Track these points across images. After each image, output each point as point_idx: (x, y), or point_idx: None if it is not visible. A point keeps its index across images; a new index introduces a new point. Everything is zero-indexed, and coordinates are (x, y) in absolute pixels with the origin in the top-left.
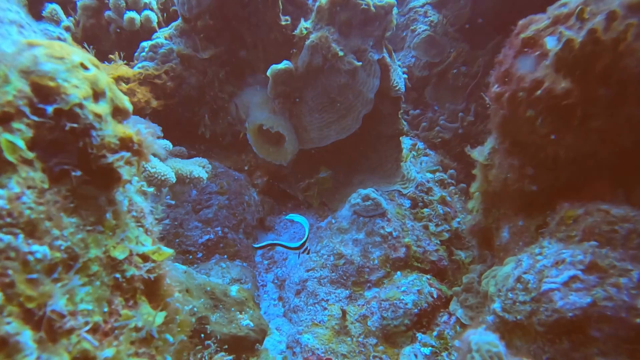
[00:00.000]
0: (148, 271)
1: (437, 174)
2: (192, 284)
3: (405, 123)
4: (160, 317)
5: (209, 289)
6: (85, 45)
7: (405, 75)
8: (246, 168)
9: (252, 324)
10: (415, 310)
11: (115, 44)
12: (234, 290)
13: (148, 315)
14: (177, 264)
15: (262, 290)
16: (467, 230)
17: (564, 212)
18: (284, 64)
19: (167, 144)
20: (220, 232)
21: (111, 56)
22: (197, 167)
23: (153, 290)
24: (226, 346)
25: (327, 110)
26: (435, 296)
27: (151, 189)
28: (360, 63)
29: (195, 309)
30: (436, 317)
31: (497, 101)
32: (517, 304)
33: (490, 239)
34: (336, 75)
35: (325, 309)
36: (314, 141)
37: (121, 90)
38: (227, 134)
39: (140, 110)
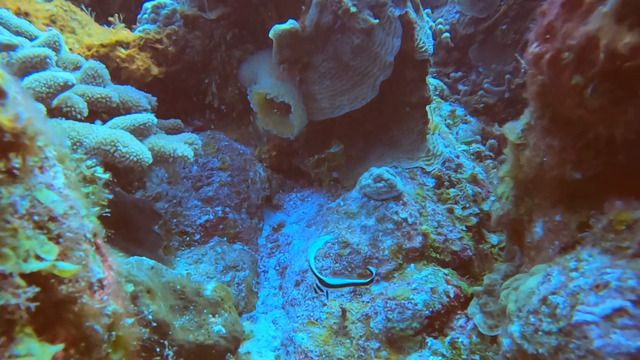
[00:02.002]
0: (36, 297)
1: (473, 145)
2: (157, 283)
3: (445, 87)
4: (46, 356)
5: (178, 287)
6: (83, 7)
7: (448, 34)
8: (253, 141)
9: (224, 330)
10: (426, 312)
11: (123, 7)
12: (209, 289)
13: (27, 356)
14: (144, 258)
15: (263, 276)
16: (495, 221)
17: (615, 213)
18: (289, 24)
19: (151, 117)
20: (220, 212)
21: (110, 19)
22: (182, 145)
23: (57, 316)
24: (191, 356)
25: (339, 76)
26: (451, 295)
27: (106, 175)
28: (378, 20)
29: (149, 316)
30: (451, 320)
31: (535, 64)
32: (540, 332)
33: (520, 233)
34: (349, 36)
35: (325, 304)
36: (325, 112)
37: (119, 57)
38: (236, 102)
39: (139, 79)
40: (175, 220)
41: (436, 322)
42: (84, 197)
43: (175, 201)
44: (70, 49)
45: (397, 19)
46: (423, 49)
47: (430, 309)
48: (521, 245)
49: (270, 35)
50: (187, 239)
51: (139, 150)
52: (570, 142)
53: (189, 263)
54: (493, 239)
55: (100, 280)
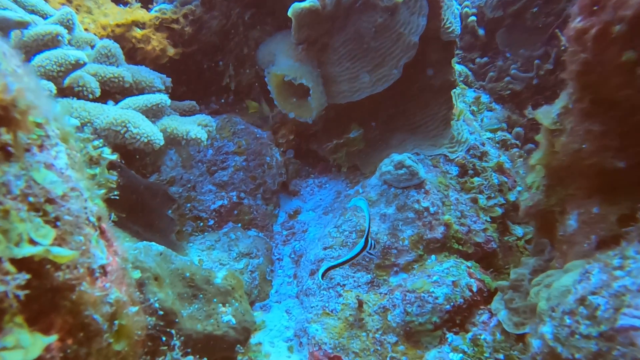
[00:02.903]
0: (29, 284)
1: (499, 133)
2: (165, 270)
3: (470, 73)
4: (37, 348)
5: (187, 275)
6: None
7: (475, 17)
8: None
9: (233, 320)
10: (447, 306)
11: None
12: (219, 277)
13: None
14: (153, 243)
15: (278, 264)
16: (523, 211)
17: None
18: (309, 2)
19: (164, 98)
20: (235, 197)
21: None
22: (196, 127)
23: (53, 305)
24: (199, 346)
25: (360, 57)
26: (474, 289)
27: (113, 156)
28: None
29: (156, 304)
30: (474, 315)
31: (577, 40)
32: (577, 336)
33: (551, 225)
34: (371, 14)
35: (340, 295)
36: (345, 95)
37: (135, 37)
38: (254, 85)
39: (155, 60)
40: (189, 205)
41: (457, 317)
42: (89, 179)
43: (189, 185)
44: (86, 29)
45: None
46: (450, 30)
47: (452, 303)
48: (551, 238)
49: (289, 13)
50: (201, 224)
51: (150, 132)
52: (613, 127)
53: (201, 249)
54: (518, 230)
55: (103, 267)
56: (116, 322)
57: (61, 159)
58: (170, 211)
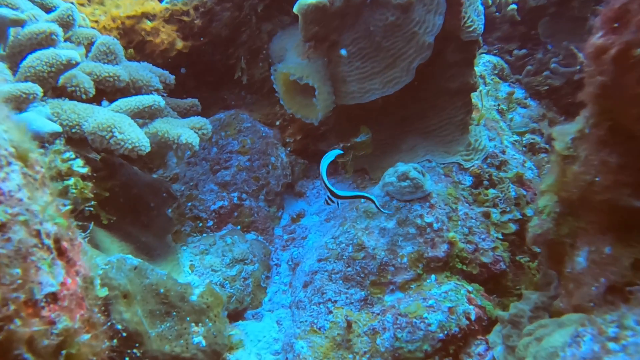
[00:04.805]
0: None
1: (527, 135)
2: (137, 286)
3: (506, 65)
4: None
5: (162, 290)
6: None
7: (515, 6)
8: (278, 123)
9: (204, 342)
10: (441, 334)
11: None
12: (196, 294)
13: None
14: (129, 256)
15: (275, 270)
16: (531, 239)
17: None
18: None
19: (158, 99)
20: (236, 198)
21: None
22: (188, 131)
23: None
24: None
25: (371, 57)
26: (472, 318)
27: (84, 170)
28: None
29: (118, 325)
30: (470, 345)
31: (595, 59)
32: None
33: (560, 257)
34: (382, 11)
35: (331, 312)
36: (354, 96)
37: (144, 30)
38: (266, 79)
39: (163, 53)
40: (189, 204)
41: (451, 347)
42: (53, 195)
43: (192, 184)
44: (96, 21)
45: None
46: (471, 29)
47: (446, 332)
48: (559, 272)
49: (295, 9)
50: (200, 224)
51: (135, 138)
52: (632, 161)
53: (194, 253)
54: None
55: (52, 295)
56: (63, 352)
57: (12, 180)
58: (169, 210)
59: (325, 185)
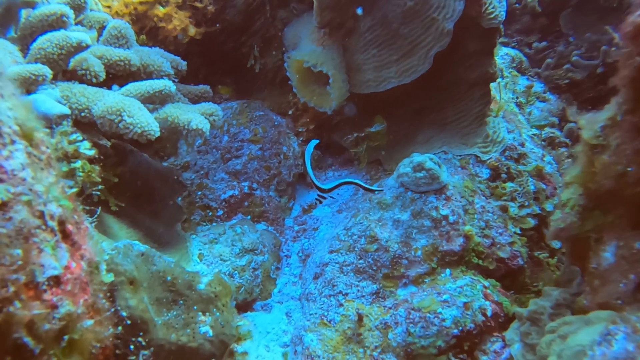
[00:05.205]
0: None
1: (547, 129)
2: (144, 273)
3: (525, 58)
4: None
5: (169, 278)
6: None
7: None
8: (290, 112)
9: (211, 332)
10: (455, 330)
11: None
12: (204, 282)
13: None
14: (136, 242)
15: (285, 262)
16: (552, 233)
17: None
18: None
19: (168, 84)
20: (246, 187)
21: None
22: (198, 116)
23: None
24: (171, 357)
25: (387, 45)
26: (488, 314)
27: (91, 152)
28: None
29: (123, 312)
30: (485, 342)
31: (634, 39)
32: None
33: (584, 253)
34: None
35: (342, 305)
36: (369, 85)
37: (156, 16)
38: (279, 68)
39: (175, 40)
40: (200, 192)
41: (465, 343)
42: (58, 177)
43: (202, 172)
44: (108, 7)
45: None
46: (492, 15)
47: (460, 328)
48: (583, 268)
49: None
50: (210, 213)
51: (145, 122)
52: None
53: (203, 242)
54: (557, 242)
55: (55, 278)
56: (65, 337)
57: (16, 158)
58: (180, 198)
59: (312, 180)
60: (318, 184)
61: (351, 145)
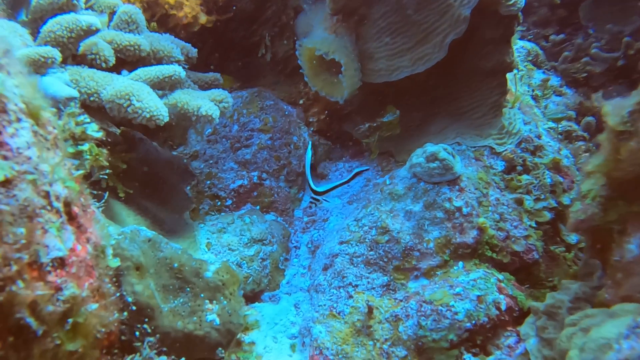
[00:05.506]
0: None
1: (563, 122)
2: (151, 258)
3: (541, 52)
4: None
5: (176, 265)
6: None
7: None
8: (301, 102)
9: (218, 320)
10: (468, 324)
11: None
12: (211, 270)
13: None
14: (143, 228)
15: (294, 253)
16: (572, 225)
17: None
18: None
19: (178, 69)
20: (256, 177)
21: None
22: (208, 103)
23: None
24: (177, 345)
25: (401, 32)
26: (503, 308)
27: (99, 134)
28: None
29: (129, 298)
30: (499, 337)
31: None
32: None
33: (606, 245)
34: None
35: (351, 297)
36: (382, 74)
37: (168, 3)
38: (291, 57)
39: (186, 27)
40: (209, 182)
41: (478, 337)
42: (64, 158)
43: (211, 161)
44: None
45: None
46: (511, 1)
47: (473, 321)
48: (604, 261)
49: None
50: (219, 203)
51: (154, 107)
52: None
53: (212, 231)
54: (572, 237)
55: (60, 259)
56: (70, 320)
57: (22, 136)
58: (188, 187)
59: (307, 182)
60: (313, 186)
61: (363, 135)
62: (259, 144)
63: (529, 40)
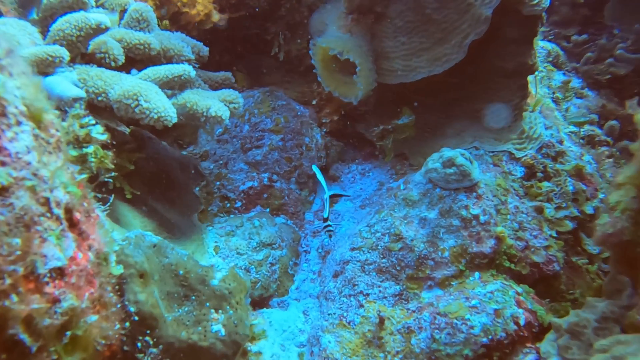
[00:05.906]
0: None
1: (586, 127)
2: (156, 265)
3: (562, 52)
4: None
5: (181, 272)
6: None
7: None
8: (314, 102)
9: (223, 331)
10: (484, 339)
11: None
12: (217, 277)
13: None
14: (148, 233)
15: (304, 257)
16: (599, 238)
17: None
18: None
19: (188, 69)
20: (266, 179)
21: None
22: (218, 103)
23: None
24: (181, 355)
25: (419, 32)
26: (522, 323)
27: (104, 136)
28: None
29: (131, 307)
30: (517, 353)
31: None
32: None
33: (636, 261)
34: None
35: (362, 306)
36: (398, 75)
37: (180, 1)
38: (304, 56)
39: (198, 25)
40: (218, 182)
41: (495, 354)
42: (71, 161)
43: (221, 162)
44: None
45: None
46: (535, 1)
47: (490, 336)
48: (634, 278)
49: None
50: (228, 205)
51: (162, 107)
52: None
53: (220, 234)
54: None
55: (58, 269)
56: (68, 333)
57: (21, 140)
58: (197, 188)
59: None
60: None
61: (377, 137)
62: (270, 144)
63: (549, 41)
